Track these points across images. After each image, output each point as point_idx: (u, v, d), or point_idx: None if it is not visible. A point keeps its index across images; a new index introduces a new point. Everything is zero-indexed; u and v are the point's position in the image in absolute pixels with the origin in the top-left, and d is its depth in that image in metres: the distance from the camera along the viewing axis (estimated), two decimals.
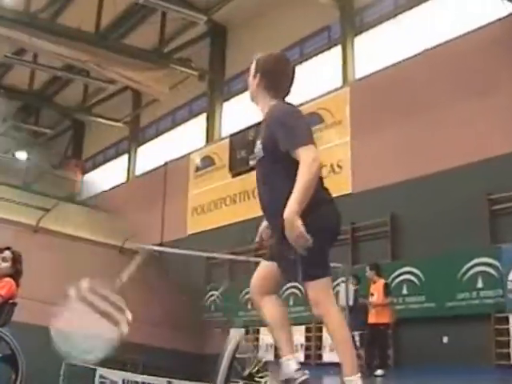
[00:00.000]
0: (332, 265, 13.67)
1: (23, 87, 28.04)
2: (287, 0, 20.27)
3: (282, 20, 20.81)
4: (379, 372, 13.30)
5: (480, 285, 13.87)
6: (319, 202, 4.23)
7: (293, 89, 4.52)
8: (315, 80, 19.41)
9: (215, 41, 24.25)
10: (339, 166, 17.50)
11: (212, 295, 20.22)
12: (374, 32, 18.30)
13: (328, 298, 4.24)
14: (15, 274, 7.33)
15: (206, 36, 24.28)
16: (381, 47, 17.92)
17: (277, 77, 4.54)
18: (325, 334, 16.62)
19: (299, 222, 4.00)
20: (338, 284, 16.01)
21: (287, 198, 4.09)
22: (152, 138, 28.32)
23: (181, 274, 20.69)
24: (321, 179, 4.35)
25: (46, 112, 32.59)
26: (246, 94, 4.78)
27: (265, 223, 4.69)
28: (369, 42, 18.32)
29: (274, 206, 4.33)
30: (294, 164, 4.20)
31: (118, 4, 21.61)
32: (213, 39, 24.32)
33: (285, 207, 4.07)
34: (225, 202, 21.59)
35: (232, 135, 21.72)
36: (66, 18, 22.67)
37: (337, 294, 16.01)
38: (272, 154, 4.38)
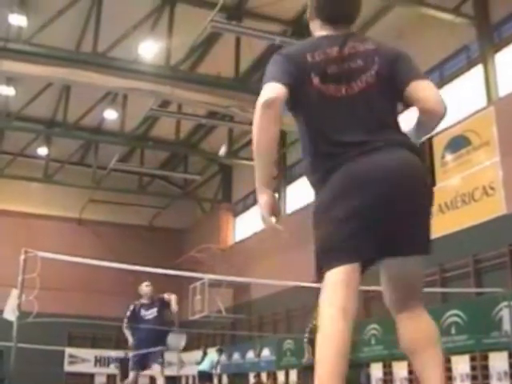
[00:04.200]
0: (491, 290, 13.17)
1: (170, 137, 28.80)
2: (422, 24, 19.97)
3: (418, 44, 20.49)
4: None
5: None
6: (323, 169, 3.31)
7: None
8: (458, 102, 19.03)
9: None
10: (492, 188, 16.99)
11: (372, 328, 19.94)
12: None
13: (327, 296, 3.16)
14: None
15: None
16: None
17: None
18: (491, 363, 16.07)
19: (261, 197, 3.45)
20: (500, 309, 15.50)
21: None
22: (300, 176, 28.40)
23: None
24: (332, 130, 3.32)
25: (194, 159, 33.36)
26: None
27: None
28: (510, 57, 17.81)
29: None
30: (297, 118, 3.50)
31: (254, 48, 21.95)
32: None
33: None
34: None
35: None
36: (205, 67, 23.24)
37: (500, 320, 15.50)
38: None
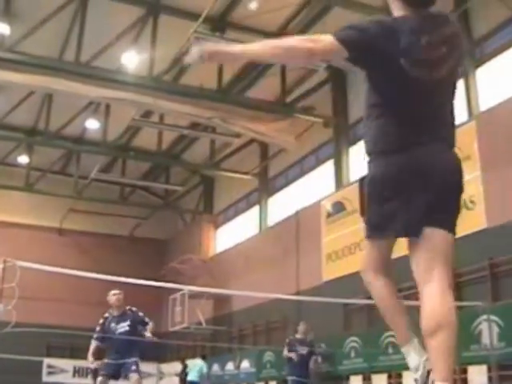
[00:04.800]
0: (471, 303, 13.17)
1: (152, 148, 28.77)
2: None
3: None
4: None
5: None
6: (379, 152, 3.62)
7: None
8: None
9: (336, 86, 24.23)
10: (472, 202, 17.05)
11: (352, 341, 19.96)
12: (495, 62, 17.93)
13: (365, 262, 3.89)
14: None
15: (326, 82, 24.34)
16: (504, 77, 17.52)
17: None
18: (470, 376, 16.00)
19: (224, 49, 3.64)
20: (479, 323, 15.55)
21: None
22: (282, 188, 28.46)
23: (319, 322, 20.52)
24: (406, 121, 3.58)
25: (175, 170, 33.35)
26: None
27: None
28: (491, 72, 17.96)
29: None
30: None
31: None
32: (333, 85, 24.32)
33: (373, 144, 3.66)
34: (359, 246, 21.24)
35: (361, 179, 21.51)
36: (188, 78, 23.19)
37: (479, 333, 15.55)
38: None
